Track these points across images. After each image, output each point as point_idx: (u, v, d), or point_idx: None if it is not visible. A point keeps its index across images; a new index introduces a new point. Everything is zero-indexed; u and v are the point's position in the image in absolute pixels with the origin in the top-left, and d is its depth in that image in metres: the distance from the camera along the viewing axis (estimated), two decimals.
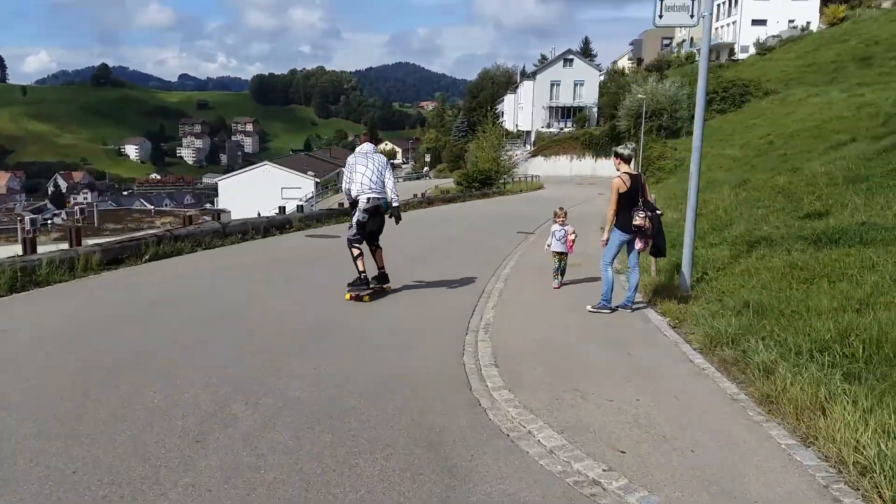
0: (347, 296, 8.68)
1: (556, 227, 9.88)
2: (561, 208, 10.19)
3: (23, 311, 7.53)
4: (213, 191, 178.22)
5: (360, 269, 8.76)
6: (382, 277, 9.21)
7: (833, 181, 15.84)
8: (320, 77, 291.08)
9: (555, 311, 8.28)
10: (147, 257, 11.25)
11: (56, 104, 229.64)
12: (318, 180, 70.66)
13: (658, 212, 8.41)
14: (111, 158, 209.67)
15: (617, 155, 8.40)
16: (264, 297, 8.78)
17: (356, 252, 8.80)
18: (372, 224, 8.83)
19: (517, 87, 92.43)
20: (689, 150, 35.42)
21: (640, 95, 47.96)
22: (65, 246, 35.91)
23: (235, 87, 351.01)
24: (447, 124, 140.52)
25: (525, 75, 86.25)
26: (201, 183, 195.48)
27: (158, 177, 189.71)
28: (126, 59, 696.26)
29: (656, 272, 9.70)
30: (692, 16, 8.67)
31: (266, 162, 71.72)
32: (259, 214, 58.53)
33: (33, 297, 8.31)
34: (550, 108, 75.87)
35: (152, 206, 54.61)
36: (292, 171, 70.02)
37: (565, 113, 76.35)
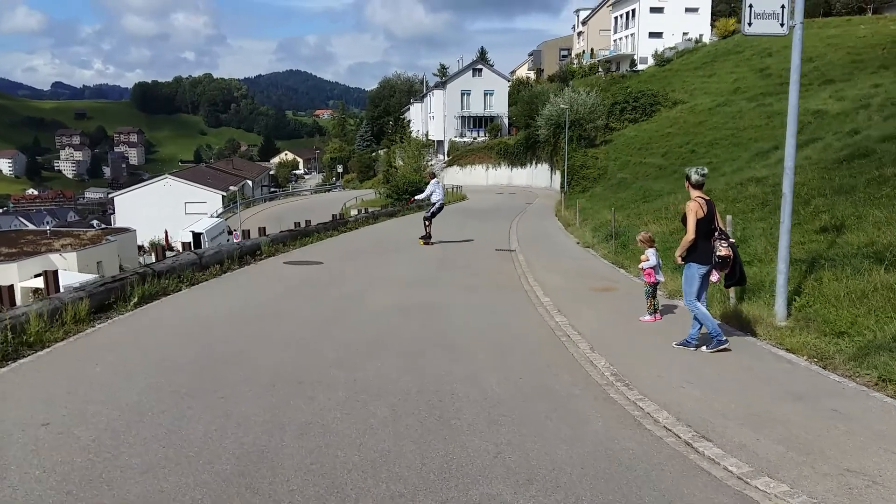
0: (422, 242, 18.17)
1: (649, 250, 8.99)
2: (645, 233, 9.31)
3: (41, 390, 5.82)
4: (97, 206, 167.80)
5: (428, 232, 18.29)
6: (429, 237, 18.40)
7: (819, 192, 15.91)
8: (208, 84, 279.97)
9: (669, 352, 7.40)
10: (135, 300, 9.49)
11: None
12: (225, 194, 67.11)
13: (732, 240, 7.68)
14: None
15: (687, 179, 7.64)
16: (316, 346, 7.40)
17: (427, 224, 18.31)
18: (438, 213, 18.68)
19: (424, 96, 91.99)
20: (608, 158, 36.18)
21: (562, 105, 48.32)
22: None
23: (114, 95, 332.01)
24: (349, 133, 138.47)
25: (433, 85, 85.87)
26: (84, 198, 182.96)
27: (36, 192, 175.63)
28: None
29: (737, 300, 9.03)
30: (782, 24, 8.09)
31: (167, 175, 67.40)
32: (166, 232, 54.86)
33: (38, 367, 6.54)
34: (462, 117, 75.83)
35: (48, 227, 49.63)
36: (196, 184, 66.20)
37: (477, 122, 76.56)
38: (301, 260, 14.82)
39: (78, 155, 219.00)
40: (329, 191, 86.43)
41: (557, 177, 58.82)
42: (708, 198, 7.56)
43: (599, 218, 28.36)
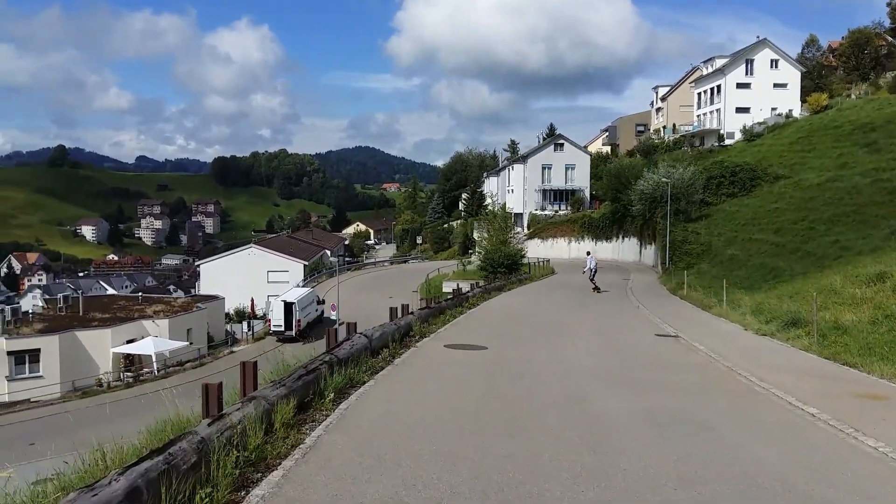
0: (595, 291, 30.13)
1: None
2: None
3: None
4: (173, 272, 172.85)
5: (596, 285, 30.56)
6: (597, 289, 30.12)
7: None
8: (283, 159, 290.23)
9: None
10: (331, 395, 7.96)
11: (10, 185, 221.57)
12: (307, 263, 67.20)
13: None
14: (67, 239, 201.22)
15: None
16: (620, 480, 5.61)
17: (594, 280, 30.70)
18: (595, 272, 31.14)
19: (501, 169, 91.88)
20: (711, 234, 34.12)
21: (664, 179, 46.44)
22: (50, 339, 30.99)
23: (193, 168, 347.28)
24: (419, 206, 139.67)
25: (512, 159, 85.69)
26: (161, 264, 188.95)
27: (116, 258, 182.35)
28: (83, 140, 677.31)
29: None
30: None
31: (252, 244, 67.95)
32: (252, 301, 54.58)
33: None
34: (543, 190, 74.85)
35: (140, 293, 49.96)
36: (279, 253, 66.37)
37: (558, 196, 75.44)
38: (461, 343, 13.22)
39: (157, 223, 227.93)
40: (406, 261, 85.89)
41: (648, 251, 56.43)
42: None
43: (733, 297, 26.02)
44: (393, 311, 14.31)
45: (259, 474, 5.43)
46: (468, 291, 24.01)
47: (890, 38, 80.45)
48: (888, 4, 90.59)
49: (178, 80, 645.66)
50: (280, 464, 5.71)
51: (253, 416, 6.07)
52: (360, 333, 10.92)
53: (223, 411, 6.01)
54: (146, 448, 5.42)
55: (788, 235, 38.57)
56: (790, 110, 73.21)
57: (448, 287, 43.92)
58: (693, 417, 8.06)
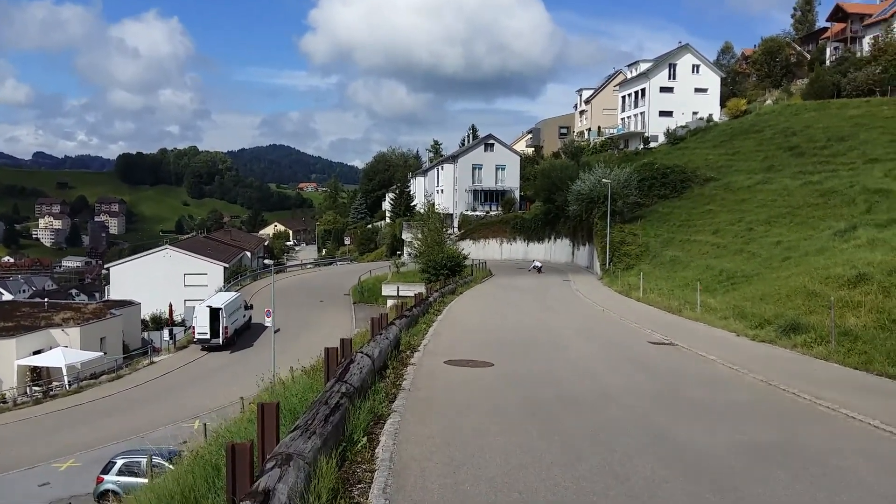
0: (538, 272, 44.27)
1: None
2: None
3: None
4: (74, 275, 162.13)
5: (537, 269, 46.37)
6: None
7: None
8: (193, 157, 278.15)
9: None
10: (363, 439, 6.17)
11: None
12: (227, 265, 63.46)
13: None
14: None
15: None
16: None
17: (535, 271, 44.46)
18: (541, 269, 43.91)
19: (428, 169, 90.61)
20: (648, 235, 33.59)
21: (604, 179, 46.10)
22: None
23: (96, 165, 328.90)
24: (340, 206, 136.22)
25: (442, 158, 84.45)
26: (60, 266, 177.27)
27: (11, 260, 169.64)
28: None
29: None
30: None
31: (167, 245, 63.71)
32: (170, 306, 50.76)
33: None
34: (474, 191, 73.96)
35: (46, 299, 45.32)
36: (197, 255, 62.37)
37: (488, 196, 74.77)
38: (461, 359, 11.62)
39: (57, 223, 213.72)
40: (329, 264, 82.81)
41: (581, 252, 56.33)
42: None
43: (695, 300, 25.43)
44: (374, 321, 12.52)
45: None
46: (429, 297, 22.34)
47: (798, 48, 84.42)
48: (792, 17, 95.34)
49: (80, 73, 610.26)
50: None
51: (300, 488, 4.26)
52: (362, 353, 9.09)
53: (260, 485, 4.16)
54: None
55: (728, 237, 38.85)
56: (710, 114, 75.22)
57: (388, 290, 42.00)
58: (806, 453, 6.77)
